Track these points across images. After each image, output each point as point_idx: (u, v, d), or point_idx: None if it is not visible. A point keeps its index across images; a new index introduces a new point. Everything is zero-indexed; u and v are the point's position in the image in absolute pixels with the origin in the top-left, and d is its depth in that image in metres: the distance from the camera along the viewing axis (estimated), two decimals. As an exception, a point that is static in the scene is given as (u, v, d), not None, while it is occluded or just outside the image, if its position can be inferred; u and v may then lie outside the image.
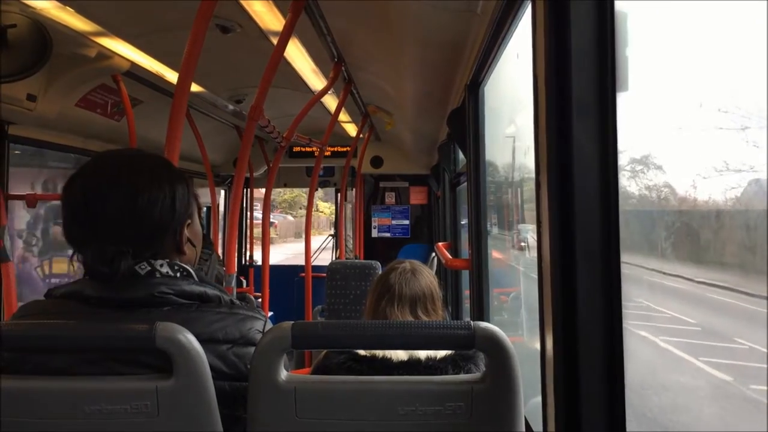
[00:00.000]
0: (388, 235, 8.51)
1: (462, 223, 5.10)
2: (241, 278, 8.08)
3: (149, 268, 1.42)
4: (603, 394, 1.27)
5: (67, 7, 3.05)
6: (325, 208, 33.95)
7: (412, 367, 1.96)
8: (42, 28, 2.98)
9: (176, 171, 1.52)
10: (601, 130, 1.29)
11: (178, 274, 1.46)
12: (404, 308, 2.23)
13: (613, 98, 1.29)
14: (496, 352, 1.32)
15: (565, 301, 1.31)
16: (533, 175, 1.51)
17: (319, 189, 9.29)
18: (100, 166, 1.46)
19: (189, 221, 1.52)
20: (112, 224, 1.39)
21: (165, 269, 1.44)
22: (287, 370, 1.36)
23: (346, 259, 8.26)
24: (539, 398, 1.51)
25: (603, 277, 1.30)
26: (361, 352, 1.98)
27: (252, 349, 1.39)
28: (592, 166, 1.30)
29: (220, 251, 7.62)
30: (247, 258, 8.73)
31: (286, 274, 8.25)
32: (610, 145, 1.29)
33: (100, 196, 1.39)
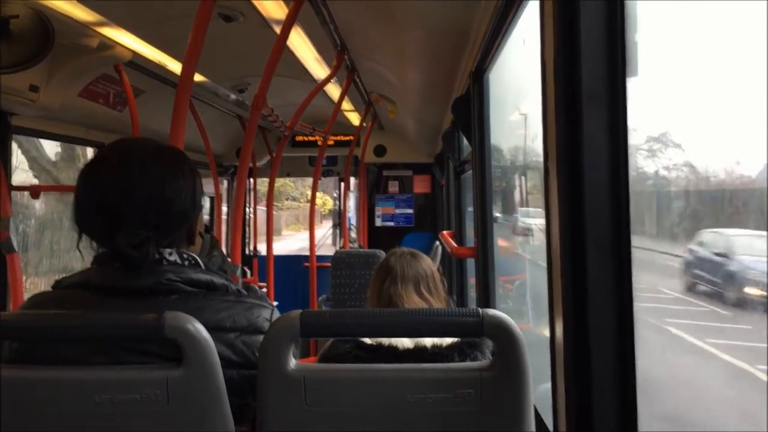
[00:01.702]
0: (391, 224, 8.49)
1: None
2: (245, 268, 8.09)
3: (157, 255, 1.42)
4: (614, 382, 1.27)
5: (70, -3, 3.04)
6: (316, 198, 32.35)
7: (418, 354, 1.96)
8: (44, 19, 2.97)
9: (193, 163, 1.55)
10: (612, 116, 1.28)
11: (186, 263, 1.46)
12: (407, 286, 2.23)
13: (623, 83, 1.28)
14: (505, 339, 1.32)
15: (575, 289, 1.31)
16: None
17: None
18: (125, 154, 1.47)
19: (201, 212, 1.56)
20: (141, 210, 1.41)
21: (173, 257, 1.45)
22: (296, 359, 1.35)
23: (350, 248, 8.26)
24: (547, 384, 1.50)
25: (613, 265, 1.29)
26: (367, 340, 1.98)
27: (260, 337, 1.39)
28: (602, 153, 1.29)
29: (224, 242, 7.63)
30: (251, 248, 8.73)
31: (290, 264, 8.26)
32: (620, 131, 1.28)
33: (129, 183, 1.41)
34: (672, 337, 1.73)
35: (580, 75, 1.31)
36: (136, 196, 1.40)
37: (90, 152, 5.60)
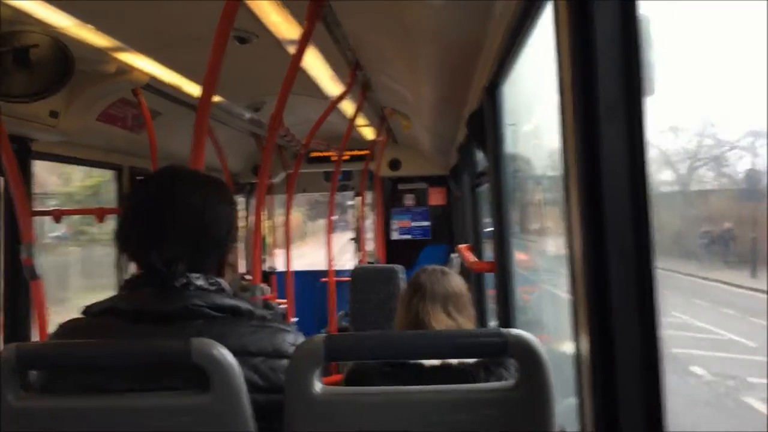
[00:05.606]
0: (408, 237, 8.48)
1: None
2: (264, 285, 8.09)
3: (184, 280, 1.44)
4: (641, 397, 1.26)
5: (88, 25, 3.08)
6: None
7: (444, 371, 1.97)
8: (63, 47, 3.01)
9: (232, 196, 1.61)
10: (630, 131, 1.28)
11: (212, 288, 1.48)
12: (435, 304, 2.24)
13: (641, 100, 1.28)
14: (529, 359, 1.32)
15: (599, 304, 1.30)
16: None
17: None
18: (173, 176, 1.55)
19: (234, 245, 1.59)
20: (179, 230, 1.45)
21: (200, 282, 1.47)
22: (321, 382, 1.36)
23: (368, 262, 8.25)
24: (570, 400, 1.50)
25: (637, 278, 1.28)
26: None
27: (284, 362, 1.41)
28: (622, 168, 1.28)
29: (242, 261, 7.65)
30: (269, 265, 8.74)
31: (308, 280, 8.26)
32: (638, 146, 1.28)
33: (171, 200, 1.47)
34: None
35: (597, 90, 1.31)
36: (176, 213, 1.46)
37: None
